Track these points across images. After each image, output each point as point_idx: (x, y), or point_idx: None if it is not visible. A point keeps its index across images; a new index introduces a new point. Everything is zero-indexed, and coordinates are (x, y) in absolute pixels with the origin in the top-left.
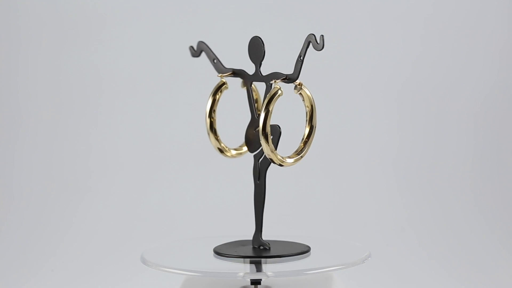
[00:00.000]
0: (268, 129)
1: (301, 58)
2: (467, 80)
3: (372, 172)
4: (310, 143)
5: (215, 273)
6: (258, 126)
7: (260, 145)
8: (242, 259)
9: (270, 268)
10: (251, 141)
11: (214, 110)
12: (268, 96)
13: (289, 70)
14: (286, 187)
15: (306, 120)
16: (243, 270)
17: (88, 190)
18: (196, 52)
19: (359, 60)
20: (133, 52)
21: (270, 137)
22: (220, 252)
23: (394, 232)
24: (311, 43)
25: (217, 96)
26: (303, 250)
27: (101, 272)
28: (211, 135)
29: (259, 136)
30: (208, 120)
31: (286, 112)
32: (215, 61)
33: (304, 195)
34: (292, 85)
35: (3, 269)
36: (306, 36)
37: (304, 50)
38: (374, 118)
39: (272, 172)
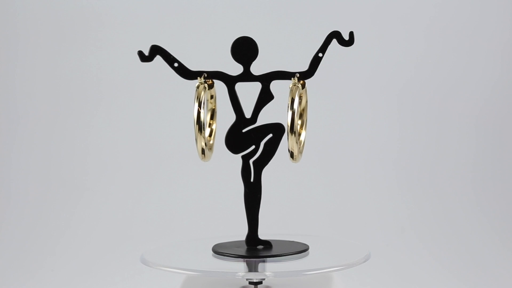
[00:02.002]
0: (297, 129)
1: (321, 55)
2: (469, 81)
3: (373, 172)
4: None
5: (215, 273)
6: (246, 127)
7: (249, 146)
8: (242, 258)
9: (270, 268)
10: (237, 143)
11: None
12: (291, 95)
13: (268, 68)
14: (286, 187)
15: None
16: (243, 270)
17: (86, 190)
18: (148, 57)
19: (361, 60)
20: (131, 52)
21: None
22: (220, 251)
23: (395, 231)
24: (334, 40)
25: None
26: (302, 249)
27: (100, 271)
28: (201, 137)
29: (248, 137)
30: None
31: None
32: (176, 64)
33: (304, 194)
34: (286, 82)
35: (3, 269)
36: (329, 33)
37: (326, 47)
38: (375, 117)
39: (272, 172)
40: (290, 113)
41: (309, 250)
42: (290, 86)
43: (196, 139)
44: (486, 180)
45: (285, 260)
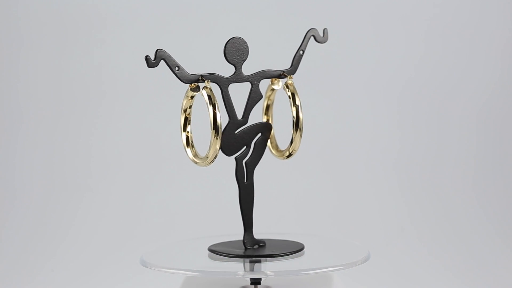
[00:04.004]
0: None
1: (302, 52)
2: (469, 81)
3: (373, 172)
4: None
5: (215, 273)
6: (238, 128)
7: (242, 147)
8: (242, 258)
9: (270, 267)
10: (232, 144)
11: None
12: (293, 92)
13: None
14: (287, 187)
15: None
16: (242, 269)
17: (88, 190)
18: (154, 62)
19: (361, 60)
20: (134, 52)
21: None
22: (218, 252)
23: (395, 231)
24: (313, 37)
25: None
26: (302, 249)
27: (101, 272)
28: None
29: (241, 138)
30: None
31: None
32: (177, 68)
33: (304, 194)
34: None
35: (4, 270)
36: (307, 31)
37: (306, 44)
38: (375, 117)
39: (272, 172)
40: (294, 110)
41: (309, 250)
42: (286, 84)
43: (210, 144)
44: (486, 180)
45: (285, 260)
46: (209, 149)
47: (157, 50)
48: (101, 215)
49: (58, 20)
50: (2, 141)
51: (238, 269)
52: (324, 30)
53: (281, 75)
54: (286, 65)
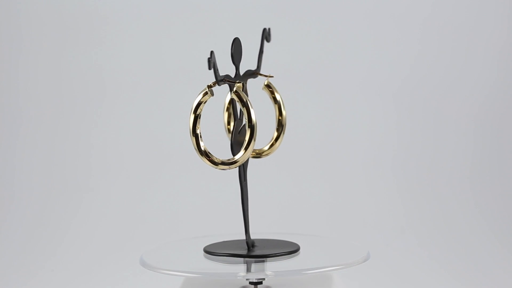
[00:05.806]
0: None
1: (262, 52)
2: (466, 80)
3: (371, 172)
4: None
5: (215, 274)
6: (237, 128)
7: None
8: (242, 258)
9: (269, 267)
10: (238, 145)
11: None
12: (276, 92)
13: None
14: (285, 187)
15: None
16: (242, 270)
17: (88, 191)
18: (212, 64)
19: (357, 59)
20: (134, 52)
21: None
22: (218, 252)
23: (394, 232)
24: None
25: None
26: (299, 248)
27: (100, 272)
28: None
29: (240, 138)
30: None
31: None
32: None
33: (303, 194)
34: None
35: (4, 269)
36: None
37: (262, 44)
38: (372, 117)
39: (270, 172)
40: (277, 109)
41: (308, 250)
42: (267, 84)
43: (245, 150)
44: (484, 180)
45: (284, 260)
46: (243, 154)
47: (212, 52)
48: (101, 215)
49: (58, 20)
50: (2, 141)
51: (238, 269)
52: (268, 30)
53: (253, 73)
54: (278, 65)
